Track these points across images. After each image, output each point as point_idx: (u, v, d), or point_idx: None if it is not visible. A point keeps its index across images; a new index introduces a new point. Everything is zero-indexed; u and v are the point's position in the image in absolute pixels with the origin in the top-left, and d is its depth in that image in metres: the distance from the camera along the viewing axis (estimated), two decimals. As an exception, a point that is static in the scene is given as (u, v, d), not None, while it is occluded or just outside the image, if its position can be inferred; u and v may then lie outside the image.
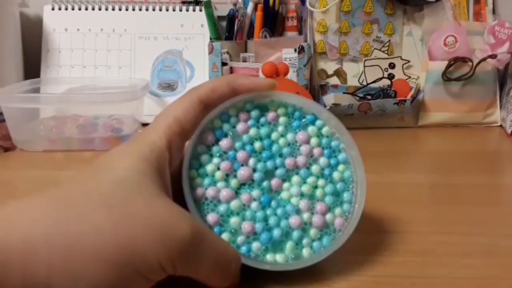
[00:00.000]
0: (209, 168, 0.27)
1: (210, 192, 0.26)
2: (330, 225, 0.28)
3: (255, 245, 0.26)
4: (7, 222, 0.19)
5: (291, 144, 0.29)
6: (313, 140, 0.29)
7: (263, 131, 0.28)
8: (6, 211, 0.19)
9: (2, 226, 0.19)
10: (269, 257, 0.26)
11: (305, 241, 0.27)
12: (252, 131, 0.28)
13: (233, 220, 0.26)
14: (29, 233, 0.18)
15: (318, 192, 0.28)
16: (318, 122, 0.30)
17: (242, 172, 0.27)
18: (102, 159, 0.24)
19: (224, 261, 0.24)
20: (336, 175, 0.29)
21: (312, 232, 0.27)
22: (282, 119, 0.29)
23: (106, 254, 0.19)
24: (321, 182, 0.28)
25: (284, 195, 0.28)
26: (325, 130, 0.29)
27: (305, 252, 0.27)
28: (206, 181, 0.26)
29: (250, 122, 0.28)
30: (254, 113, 0.29)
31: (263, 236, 0.26)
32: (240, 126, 0.28)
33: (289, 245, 0.27)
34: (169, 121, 0.25)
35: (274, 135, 0.29)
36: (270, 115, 0.29)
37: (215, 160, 0.27)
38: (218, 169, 0.27)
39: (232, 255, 0.24)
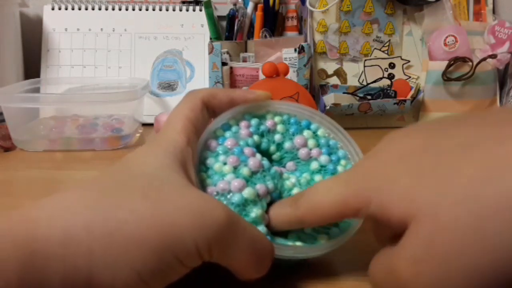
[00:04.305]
0: (216, 166, 0.27)
1: (220, 185, 0.26)
2: None
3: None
4: (46, 216, 0.19)
5: (291, 149, 0.30)
6: (311, 142, 0.31)
7: (265, 141, 0.30)
8: (44, 206, 0.20)
9: (42, 219, 0.19)
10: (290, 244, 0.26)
11: (321, 228, 0.27)
12: (256, 137, 0.29)
13: (255, 211, 0.25)
14: (68, 224, 0.19)
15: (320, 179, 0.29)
16: (313, 126, 0.32)
17: (252, 162, 0.27)
18: (128, 157, 0.24)
19: (261, 249, 0.24)
20: (340, 168, 0.30)
21: None
22: (279, 127, 0.31)
23: (147, 239, 0.19)
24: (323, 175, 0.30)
25: (287, 183, 0.29)
26: (320, 132, 0.31)
27: (322, 238, 0.27)
28: (215, 177, 0.26)
29: (251, 129, 0.30)
30: (254, 122, 0.30)
31: None
32: (242, 132, 0.29)
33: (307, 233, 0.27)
34: (183, 121, 0.26)
35: (276, 139, 0.30)
36: (269, 122, 0.30)
37: (221, 157, 0.27)
38: (225, 164, 0.27)
39: (268, 244, 0.24)
